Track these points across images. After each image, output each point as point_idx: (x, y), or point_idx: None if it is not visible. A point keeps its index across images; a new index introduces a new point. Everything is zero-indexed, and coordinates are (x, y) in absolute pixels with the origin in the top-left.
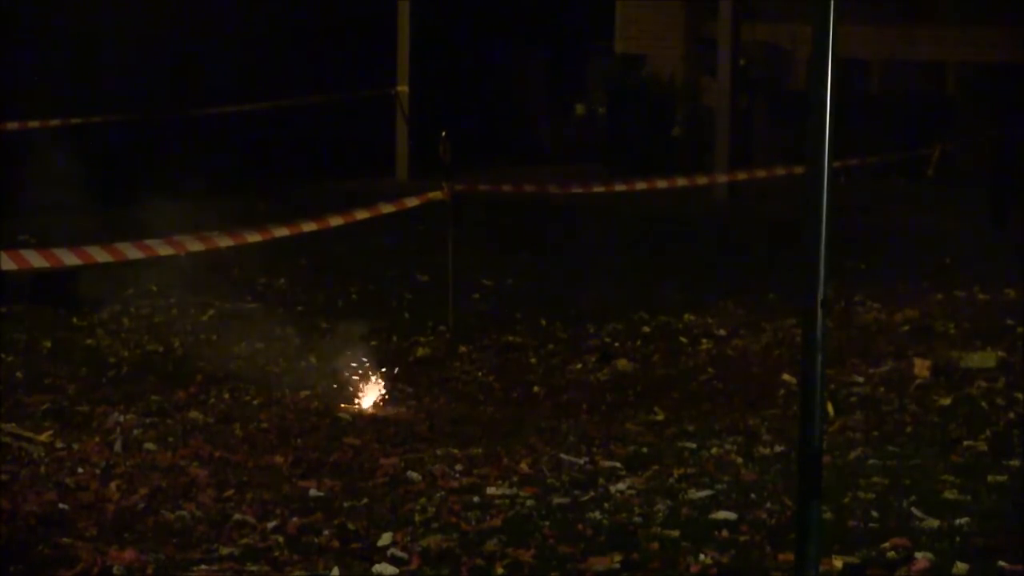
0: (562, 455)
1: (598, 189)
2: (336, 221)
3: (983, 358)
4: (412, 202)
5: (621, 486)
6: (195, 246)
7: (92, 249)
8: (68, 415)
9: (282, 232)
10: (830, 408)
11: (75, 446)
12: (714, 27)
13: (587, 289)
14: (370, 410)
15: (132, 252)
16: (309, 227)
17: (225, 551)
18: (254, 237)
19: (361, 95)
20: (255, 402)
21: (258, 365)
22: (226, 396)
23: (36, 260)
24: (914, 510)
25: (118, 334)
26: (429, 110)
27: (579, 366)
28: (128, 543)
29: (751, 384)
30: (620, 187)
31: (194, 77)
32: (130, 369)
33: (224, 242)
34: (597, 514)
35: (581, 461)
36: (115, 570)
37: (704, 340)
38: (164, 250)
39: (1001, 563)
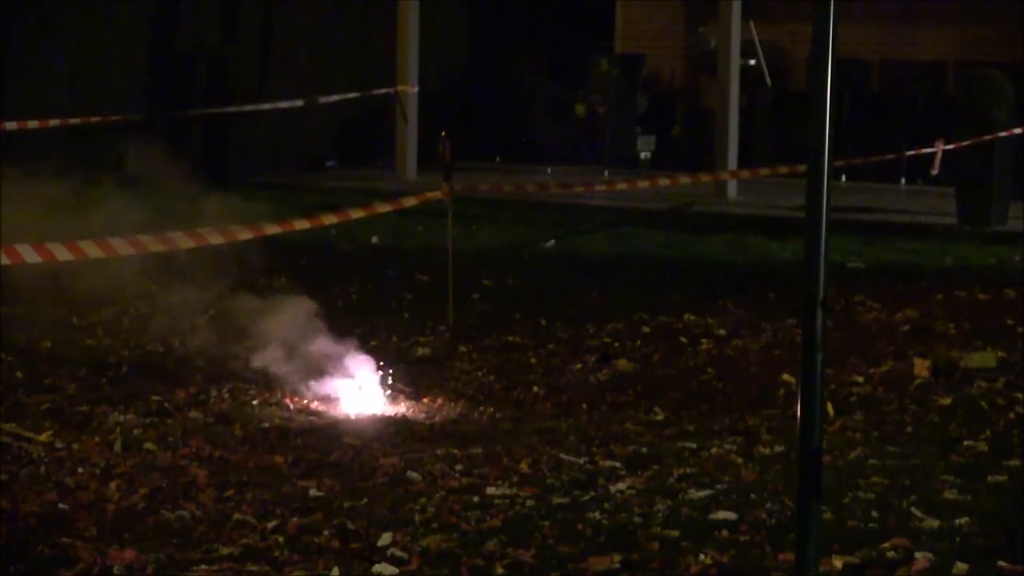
0: (562, 455)
1: (599, 188)
2: (330, 220)
3: (983, 358)
4: (410, 202)
5: (621, 486)
6: (186, 243)
7: (84, 244)
8: (68, 415)
9: (274, 230)
10: (830, 408)
11: (75, 446)
12: (715, 27)
13: (587, 289)
14: (370, 410)
15: (124, 248)
16: (302, 225)
17: (225, 551)
18: (245, 235)
19: (369, 94)
20: (255, 402)
21: (258, 365)
22: (226, 396)
23: (30, 255)
24: (914, 510)
25: (118, 334)
26: (441, 109)
27: (579, 366)
28: (128, 543)
29: (751, 384)
30: (622, 186)
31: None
32: (130, 369)
33: (215, 239)
34: (597, 514)
35: (581, 461)
36: (115, 570)
37: (704, 340)
38: (155, 247)
39: (1001, 563)
